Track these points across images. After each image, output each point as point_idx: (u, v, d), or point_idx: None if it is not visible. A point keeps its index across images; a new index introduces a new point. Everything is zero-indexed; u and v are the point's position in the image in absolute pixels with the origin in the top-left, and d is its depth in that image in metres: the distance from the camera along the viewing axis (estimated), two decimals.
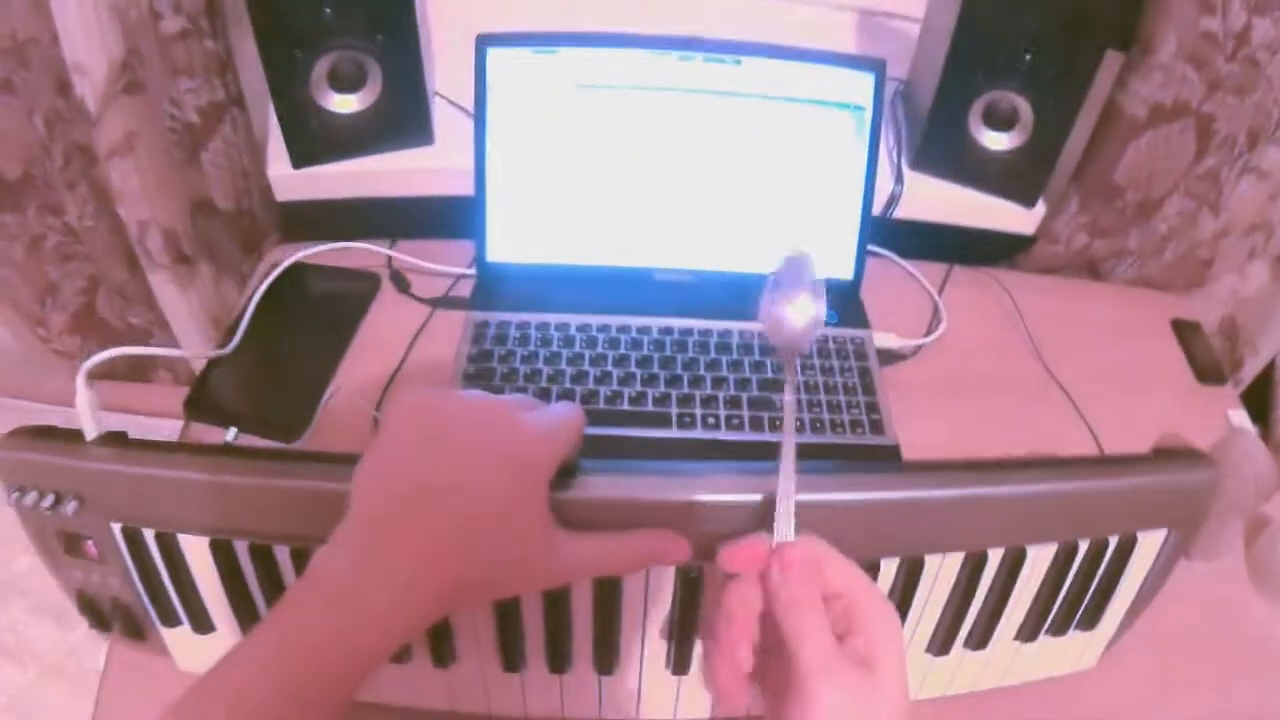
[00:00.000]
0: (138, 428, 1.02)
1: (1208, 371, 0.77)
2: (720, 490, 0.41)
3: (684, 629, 0.46)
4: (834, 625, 0.33)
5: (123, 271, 0.88)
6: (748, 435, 0.61)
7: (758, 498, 0.40)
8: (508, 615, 0.45)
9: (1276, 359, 0.86)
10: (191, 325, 0.82)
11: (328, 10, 0.67)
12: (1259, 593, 0.63)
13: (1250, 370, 0.88)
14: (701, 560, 0.42)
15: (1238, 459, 0.64)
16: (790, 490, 0.36)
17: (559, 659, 0.47)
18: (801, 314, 0.39)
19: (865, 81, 0.67)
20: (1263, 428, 0.84)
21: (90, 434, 0.45)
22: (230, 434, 0.64)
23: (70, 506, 0.44)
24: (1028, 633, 0.52)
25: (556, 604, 0.45)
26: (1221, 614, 0.61)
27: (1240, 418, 0.75)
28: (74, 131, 0.79)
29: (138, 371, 1.00)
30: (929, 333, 0.74)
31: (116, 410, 1.04)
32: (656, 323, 0.67)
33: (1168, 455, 0.52)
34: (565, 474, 0.39)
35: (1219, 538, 0.63)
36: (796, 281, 0.39)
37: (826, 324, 0.69)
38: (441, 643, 0.46)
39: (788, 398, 0.37)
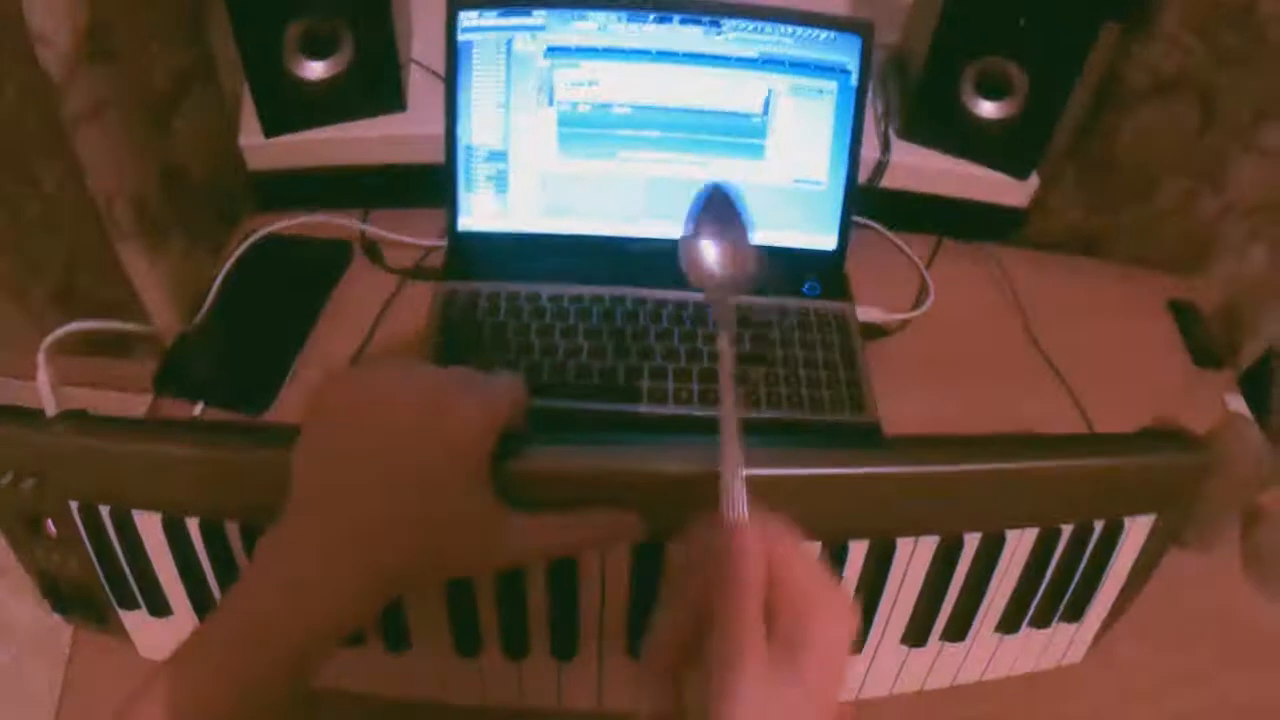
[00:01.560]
0: (115, 402, 1.02)
1: (1205, 355, 0.75)
2: (671, 462, 0.40)
3: (642, 612, 0.45)
4: (775, 613, 0.30)
5: (97, 244, 0.87)
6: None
7: (711, 471, 0.38)
8: (460, 598, 0.44)
9: (1277, 344, 0.84)
10: (162, 297, 0.81)
11: None
12: (1253, 585, 0.61)
13: (1249, 355, 0.85)
14: (657, 538, 0.41)
15: (1233, 445, 0.61)
16: (735, 458, 0.33)
17: (515, 644, 0.46)
18: (716, 252, 0.36)
19: (851, 45, 0.65)
20: (1261, 414, 0.81)
21: (50, 411, 0.45)
22: (198, 408, 0.63)
23: (28, 484, 0.44)
24: (1009, 624, 0.50)
25: (509, 586, 0.44)
26: (1215, 606, 0.59)
27: (1237, 402, 0.73)
28: (47, 101, 0.78)
29: (116, 346, 0.99)
30: (916, 307, 0.72)
31: (97, 385, 1.04)
32: (630, 293, 0.65)
33: (1155, 436, 0.50)
34: (511, 445, 0.38)
35: (1213, 527, 0.61)
36: (717, 216, 0.36)
37: (808, 296, 0.67)
38: (394, 627, 0.45)
39: (723, 355, 0.35)
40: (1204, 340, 0.76)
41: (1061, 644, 0.52)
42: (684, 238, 0.37)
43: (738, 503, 0.32)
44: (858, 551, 0.45)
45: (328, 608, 0.33)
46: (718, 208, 0.37)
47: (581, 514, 0.39)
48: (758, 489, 0.32)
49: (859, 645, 0.49)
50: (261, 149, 0.73)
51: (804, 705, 0.28)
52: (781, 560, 0.30)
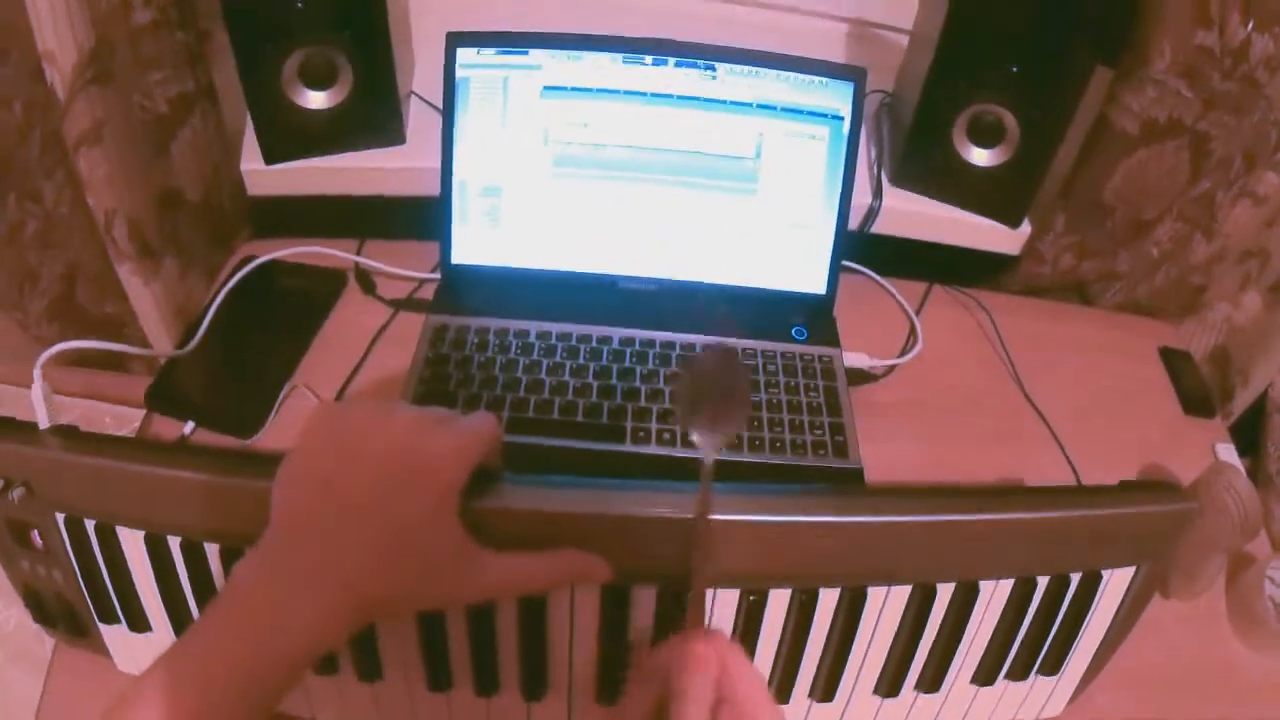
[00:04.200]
0: (109, 414, 1.02)
1: (1196, 402, 0.75)
2: (642, 506, 0.40)
3: (611, 657, 0.45)
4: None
5: (98, 260, 0.88)
6: (702, 453, 0.59)
7: (680, 515, 0.39)
8: (432, 631, 0.45)
9: (1269, 390, 0.83)
10: (156, 318, 0.81)
11: (299, 3, 0.66)
12: (1238, 634, 0.60)
13: (1241, 402, 0.85)
14: (625, 580, 0.42)
15: (1222, 494, 0.61)
16: (705, 573, 0.36)
17: (486, 681, 0.46)
18: (719, 425, 0.39)
19: (844, 91, 0.65)
20: (1253, 461, 0.81)
21: (44, 424, 0.47)
22: (188, 427, 0.64)
23: (17, 494, 0.44)
24: (985, 675, 0.49)
25: (480, 621, 0.44)
26: (1199, 656, 0.59)
27: (1227, 451, 0.73)
28: (51, 119, 0.79)
29: (113, 360, 0.99)
30: (904, 353, 0.72)
31: (94, 398, 1.04)
32: (618, 333, 0.66)
33: (1134, 487, 0.50)
34: (486, 483, 0.39)
35: (1199, 575, 0.61)
36: (715, 385, 0.39)
37: (796, 340, 0.67)
38: (367, 657, 0.46)
39: (703, 485, 0.37)
40: (1195, 387, 0.76)
41: (1040, 697, 0.52)
42: (677, 390, 0.40)
43: (700, 612, 0.36)
44: (829, 598, 0.45)
45: (296, 632, 0.34)
46: (718, 365, 0.40)
47: (551, 554, 0.40)
48: (730, 533, 0.34)
49: (831, 693, 0.48)
50: (261, 175, 0.74)
51: None
52: (735, 676, 0.34)
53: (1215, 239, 0.78)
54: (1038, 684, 0.51)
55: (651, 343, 0.65)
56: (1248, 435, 0.82)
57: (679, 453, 0.60)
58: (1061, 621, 0.48)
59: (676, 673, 0.34)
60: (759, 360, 0.65)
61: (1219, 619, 0.61)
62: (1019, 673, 0.50)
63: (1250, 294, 0.82)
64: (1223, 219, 0.76)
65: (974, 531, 0.44)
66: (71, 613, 0.49)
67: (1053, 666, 0.50)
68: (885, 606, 0.46)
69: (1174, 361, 0.78)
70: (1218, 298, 0.83)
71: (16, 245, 0.92)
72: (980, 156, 0.73)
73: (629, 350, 0.65)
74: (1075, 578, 0.47)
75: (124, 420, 1.00)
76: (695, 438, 0.39)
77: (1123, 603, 0.49)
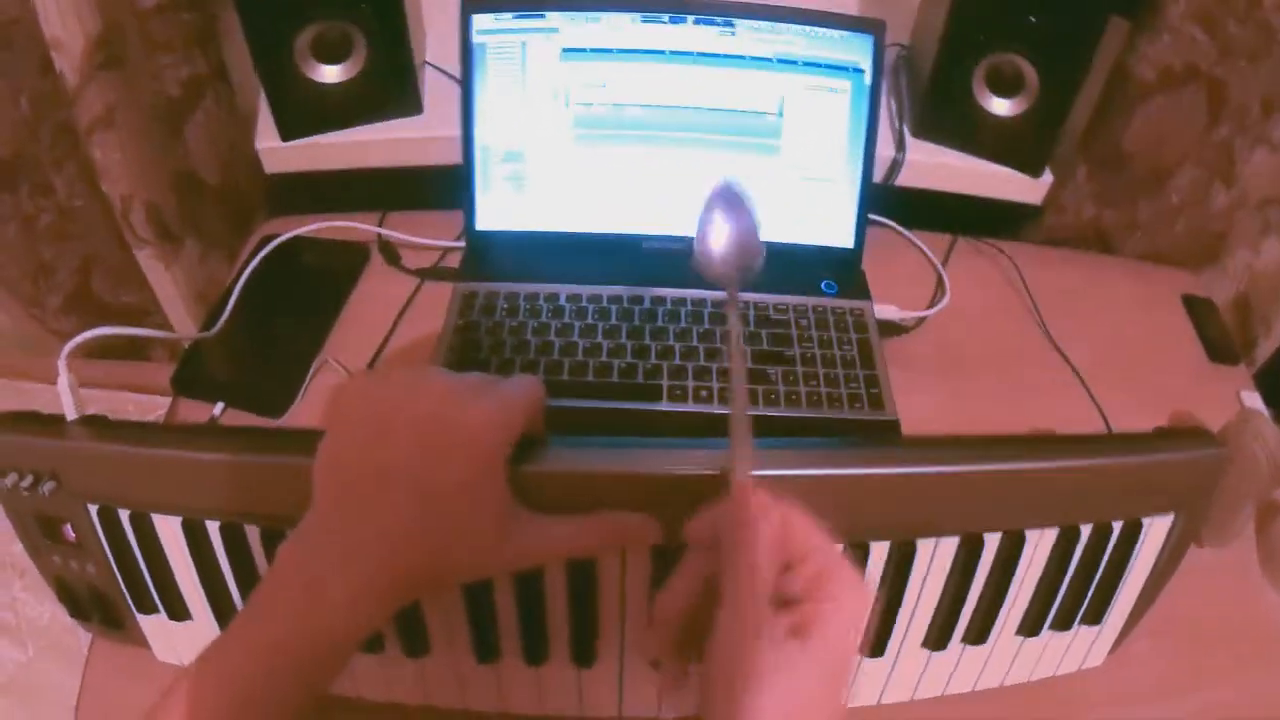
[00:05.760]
0: (134, 404, 1.02)
1: (1220, 350, 0.75)
2: (688, 464, 0.39)
3: None
4: (788, 584, 0.30)
5: (114, 250, 0.88)
6: None
7: (728, 472, 0.38)
8: (479, 602, 0.44)
9: None
10: (178, 302, 0.81)
11: None
12: (1270, 582, 0.61)
13: (1264, 350, 0.85)
14: (675, 541, 0.41)
15: (1250, 442, 0.61)
16: (745, 429, 0.33)
17: (534, 650, 0.46)
18: (722, 235, 0.37)
19: (864, 44, 0.65)
20: (1277, 410, 0.81)
21: (71, 415, 0.45)
22: (217, 409, 0.64)
23: (47, 487, 0.44)
24: (1031, 626, 0.49)
25: (528, 589, 0.44)
26: (1233, 604, 0.59)
27: (1253, 398, 0.73)
28: (59, 111, 0.79)
29: (135, 350, 0.99)
30: (932, 305, 0.72)
31: (116, 388, 1.04)
32: (648, 292, 0.65)
33: (1171, 434, 0.50)
34: (530, 448, 0.38)
35: (1229, 523, 0.61)
36: (727, 206, 0.37)
37: (826, 294, 0.67)
38: (413, 633, 0.45)
39: (732, 330, 0.35)
40: (1219, 335, 0.76)
41: (1082, 648, 0.52)
42: (697, 223, 0.38)
43: (746, 471, 0.32)
44: (878, 553, 0.44)
45: (340, 611, 0.34)
46: (728, 198, 0.38)
47: (599, 516, 0.39)
48: (775, 489, 0.32)
49: (880, 648, 0.48)
50: (278, 153, 0.74)
51: (813, 678, 0.28)
52: (795, 533, 0.31)
53: (1234, 186, 0.78)
54: (1079, 635, 0.51)
55: (683, 301, 0.65)
56: (1272, 385, 0.82)
57: (718, 409, 0.59)
58: (1104, 570, 0.48)
59: (729, 536, 0.30)
60: (790, 315, 0.65)
61: (1250, 568, 0.61)
62: (1063, 622, 0.50)
63: (1271, 241, 0.82)
64: (1241, 166, 0.76)
65: (1019, 480, 0.44)
66: (107, 605, 0.48)
67: (1095, 616, 0.50)
68: (934, 559, 0.45)
69: (1197, 309, 0.78)
70: (1238, 245, 0.82)
71: (30, 239, 0.92)
72: (1000, 106, 0.73)
73: (660, 309, 0.65)
74: (1117, 526, 0.47)
75: (149, 408, 1.00)
76: (715, 261, 0.37)
77: (1162, 551, 0.49)
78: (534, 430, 0.39)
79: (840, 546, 0.32)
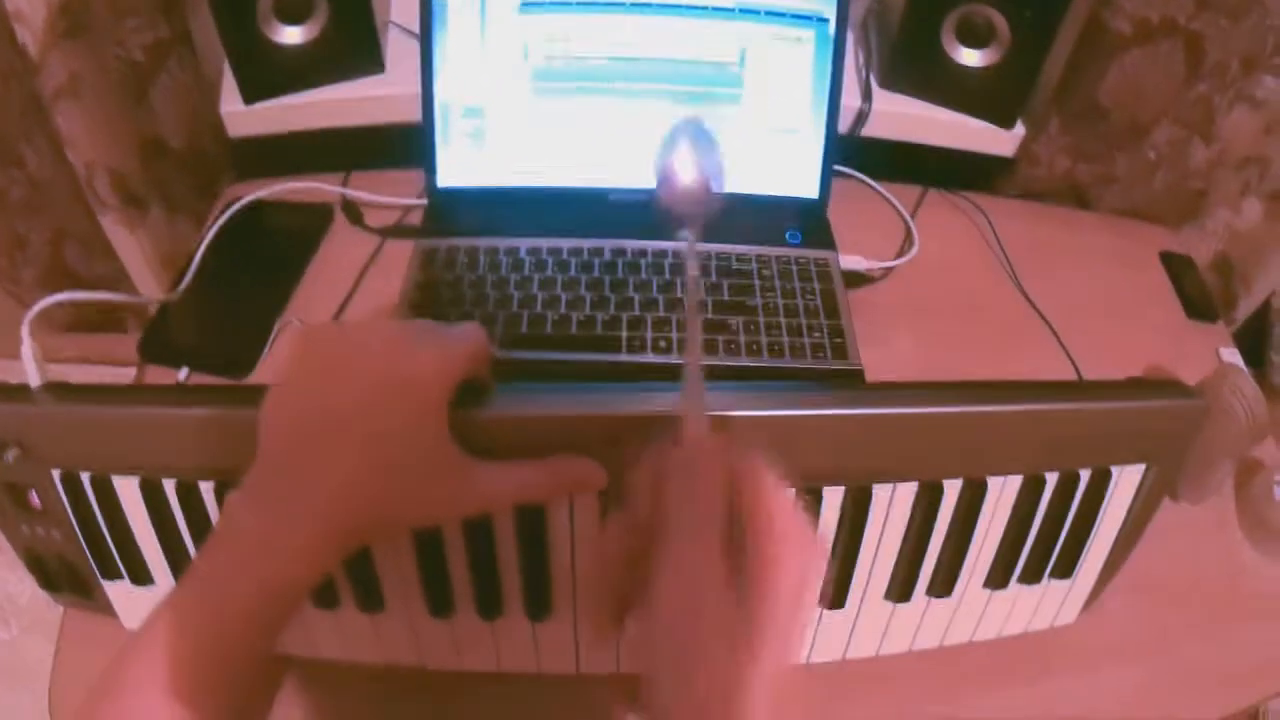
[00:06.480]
0: (103, 376, 1.01)
1: (1199, 306, 0.74)
2: (630, 405, 0.39)
3: None
4: (739, 537, 0.28)
5: (84, 220, 0.87)
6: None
7: (675, 413, 0.37)
8: (431, 555, 0.44)
9: (1272, 298, 0.82)
10: (146, 268, 0.81)
11: None
12: (1249, 540, 0.60)
13: (1244, 310, 0.84)
14: (620, 487, 0.40)
15: (1228, 396, 0.60)
16: (698, 373, 0.32)
17: (488, 604, 0.45)
18: (687, 168, 0.36)
19: None
20: (1257, 370, 0.80)
21: (35, 383, 0.45)
22: (183, 373, 0.63)
23: (11, 454, 0.44)
24: (997, 579, 0.48)
25: (479, 539, 0.43)
26: (1210, 561, 0.58)
27: (1232, 355, 0.72)
28: (26, 83, 0.78)
29: (105, 321, 0.99)
30: (901, 256, 0.71)
31: (90, 362, 1.04)
32: (609, 244, 0.65)
33: (1143, 383, 0.49)
34: (475, 394, 0.38)
35: (1207, 479, 0.60)
36: (685, 139, 0.37)
37: (790, 244, 0.66)
38: (367, 587, 0.45)
39: (690, 272, 0.35)
40: (1197, 292, 0.75)
41: (1053, 603, 0.51)
42: (657, 159, 0.37)
43: (700, 417, 0.31)
44: (833, 497, 0.43)
45: (288, 558, 0.34)
46: (691, 133, 0.37)
47: (544, 462, 0.38)
48: (729, 430, 0.31)
49: (841, 600, 0.47)
50: (241, 116, 0.73)
51: (767, 632, 0.27)
52: (747, 482, 0.29)
53: (1213, 144, 0.77)
54: (1051, 590, 0.50)
55: (643, 252, 0.64)
56: (1251, 345, 0.81)
57: (677, 360, 0.59)
58: (1072, 521, 0.47)
59: (681, 477, 0.28)
60: (753, 265, 0.64)
61: (1229, 526, 0.60)
62: (1031, 575, 0.49)
63: (1250, 201, 0.81)
64: (1220, 123, 0.75)
65: (980, 424, 0.43)
66: (74, 572, 0.48)
67: (1065, 569, 0.49)
68: (891, 506, 0.44)
69: (1175, 266, 0.77)
70: (1218, 204, 0.81)
71: (3, 213, 0.92)
72: (970, 57, 0.72)
73: (620, 261, 0.64)
74: (1084, 475, 0.46)
75: (120, 379, 1.00)
76: (677, 194, 0.36)
77: (1133, 503, 0.47)
78: (479, 377, 0.38)
79: (792, 493, 0.30)
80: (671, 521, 0.28)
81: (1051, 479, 0.46)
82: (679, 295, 0.62)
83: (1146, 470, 0.46)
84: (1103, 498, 0.47)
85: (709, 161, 0.37)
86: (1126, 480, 0.47)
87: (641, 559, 0.29)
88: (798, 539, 0.28)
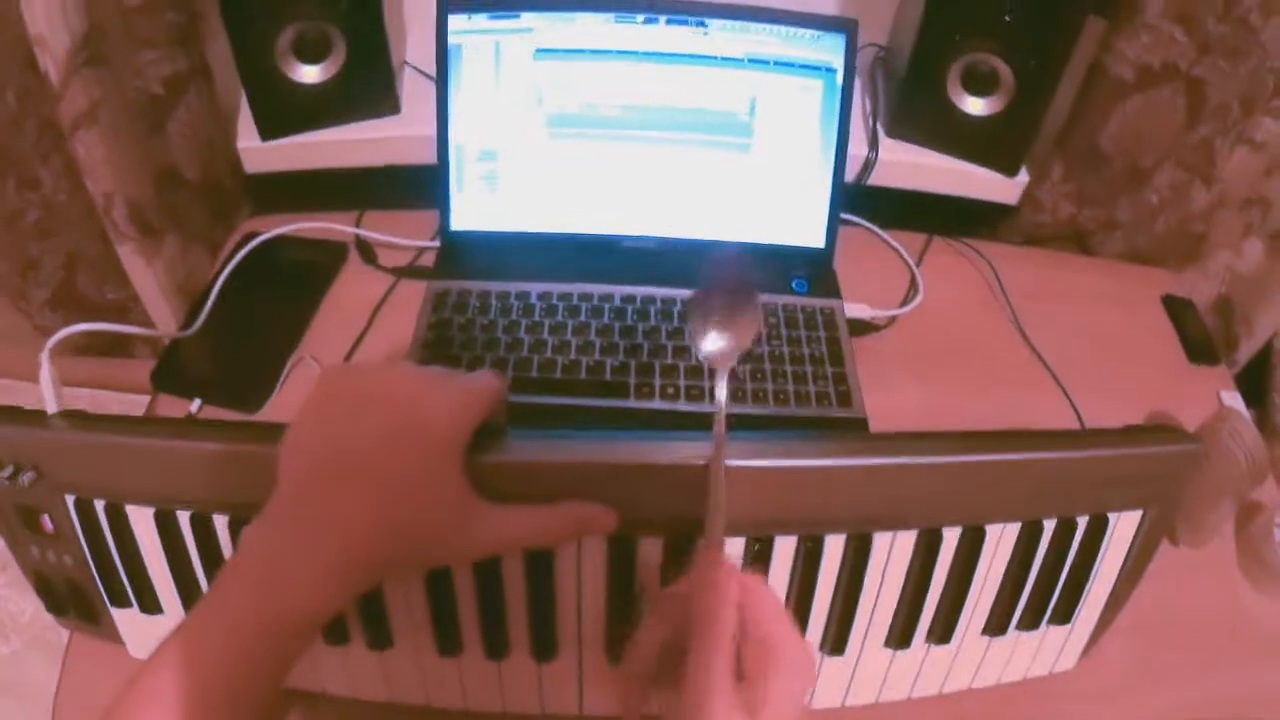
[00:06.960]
0: (116, 402, 1.02)
1: (1200, 350, 0.75)
2: (643, 454, 0.40)
3: (619, 615, 0.45)
4: (744, 652, 0.33)
5: (98, 245, 0.88)
6: (706, 406, 0.60)
7: (684, 462, 0.39)
8: (441, 595, 0.44)
9: (1274, 340, 0.83)
10: (160, 297, 0.82)
11: None
12: (1249, 581, 0.60)
13: (1245, 351, 0.85)
14: (631, 531, 0.42)
15: (1227, 440, 0.61)
16: (721, 502, 0.35)
17: (495, 644, 0.46)
18: (727, 332, 0.38)
19: (836, 43, 0.65)
20: (1259, 412, 0.81)
21: (52, 409, 0.46)
22: (195, 405, 0.64)
23: (27, 478, 0.44)
24: (996, 625, 0.49)
25: (488, 582, 0.44)
26: (1211, 604, 0.59)
27: (1232, 398, 0.73)
28: (44, 106, 0.79)
29: (117, 347, 1.00)
30: (905, 304, 0.72)
31: (100, 386, 1.05)
32: (619, 290, 0.66)
33: (1139, 429, 0.49)
34: (489, 440, 0.39)
35: (1206, 522, 0.61)
36: (724, 284, 0.39)
37: (796, 293, 0.67)
38: (376, 625, 0.46)
39: (719, 410, 0.36)
40: (1198, 335, 0.76)
41: (1053, 649, 0.51)
42: (691, 303, 0.39)
43: (720, 542, 0.35)
44: (835, 546, 0.44)
45: (301, 593, 0.34)
46: (725, 272, 0.39)
47: (555, 507, 0.40)
48: (733, 479, 0.33)
49: (841, 646, 0.48)
50: (258, 152, 0.74)
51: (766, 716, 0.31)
52: (755, 605, 0.33)
53: (1214, 186, 0.77)
54: (1050, 636, 0.50)
55: (652, 299, 0.65)
56: (1253, 386, 0.82)
57: (683, 406, 0.60)
58: (1070, 567, 0.48)
59: (698, 601, 0.33)
60: (761, 314, 0.65)
61: (1229, 568, 0.61)
62: (1030, 621, 0.49)
63: (1252, 242, 0.81)
64: (1221, 166, 0.76)
65: (979, 473, 0.44)
66: (83, 598, 0.49)
67: (1064, 615, 0.50)
68: (891, 553, 0.45)
69: (1177, 309, 0.78)
70: (1219, 246, 0.82)
71: (17, 234, 0.93)
72: (975, 106, 0.73)
73: (630, 308, 0.65)
74: (1082, 521, 0.47)
75: (131, 406, 1.01)
76: (707, 349, 0.39)
77: (1131, 548, 0.48)
78: (494, 423, 0.39)
79: (790, 618, 0.34)
80: (695, 632, 0.33)
81: (1049, 525, 0.46)
82: (685, 344, 0.63)
83: (1144, 515, 0.47)
84: (1100, 543, 0.48)
85: (739, 328, 0.38)
86: (1124, 525, 0.47)
87: (667, 652, 0.34)
88: (798, 657, 0.33)
